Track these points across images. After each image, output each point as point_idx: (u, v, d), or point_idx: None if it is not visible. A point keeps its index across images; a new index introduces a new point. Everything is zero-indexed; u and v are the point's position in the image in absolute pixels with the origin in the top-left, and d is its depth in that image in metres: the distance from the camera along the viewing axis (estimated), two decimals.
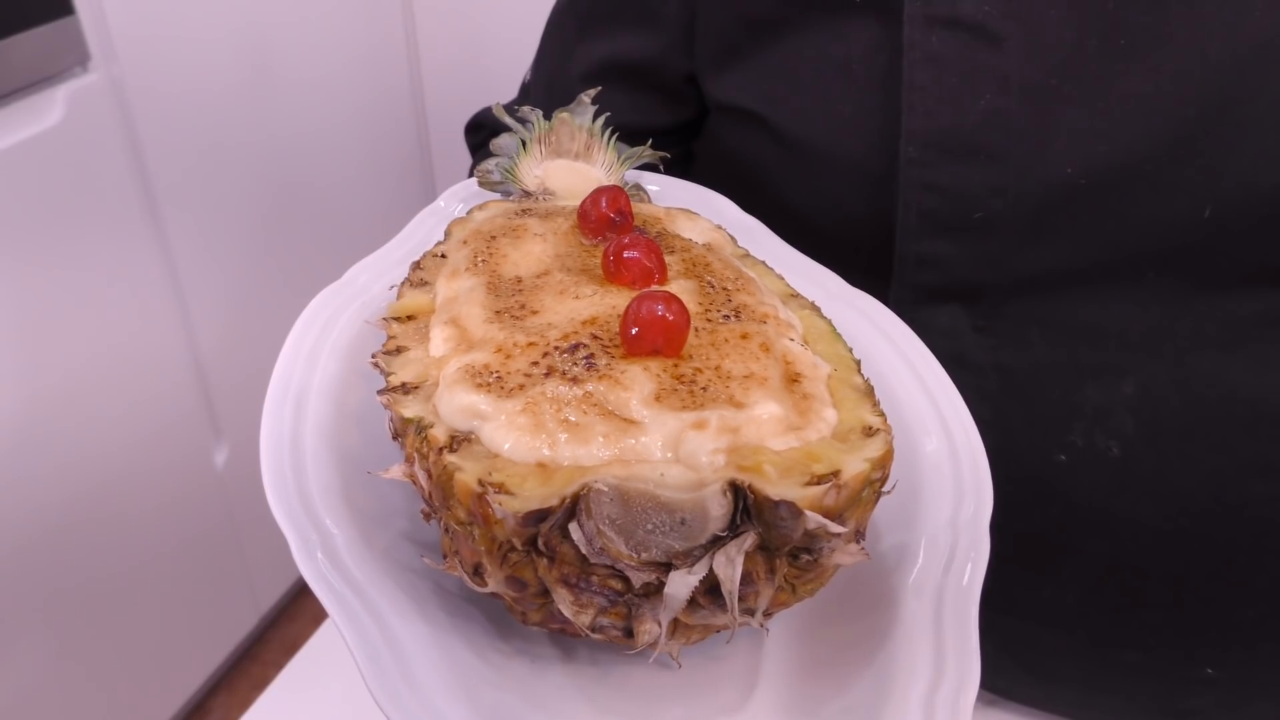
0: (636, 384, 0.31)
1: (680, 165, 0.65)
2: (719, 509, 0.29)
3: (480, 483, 0.29)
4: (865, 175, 0.53)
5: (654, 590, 0.30)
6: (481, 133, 0.70)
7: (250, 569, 1.41)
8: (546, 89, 0.67)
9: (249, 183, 1.39)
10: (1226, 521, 0.51)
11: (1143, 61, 0.46)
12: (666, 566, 0.29)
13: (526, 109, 0.51)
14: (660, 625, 0.30)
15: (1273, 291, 0.48)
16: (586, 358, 0.32)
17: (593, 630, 0.30)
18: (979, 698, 0.65)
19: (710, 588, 0.29)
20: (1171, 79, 0.46)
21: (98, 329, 1.15)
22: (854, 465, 0.29)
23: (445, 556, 0.32)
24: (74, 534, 1.15)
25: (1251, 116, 0.45)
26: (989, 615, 0.57)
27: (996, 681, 0.62)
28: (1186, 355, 0.49)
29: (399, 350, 0.37)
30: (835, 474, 0.29)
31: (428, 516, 0.34)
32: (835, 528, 0.28)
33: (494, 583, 0.30)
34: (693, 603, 0.30)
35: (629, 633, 0.30)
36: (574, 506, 0.28)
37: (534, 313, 0.36)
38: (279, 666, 0.69)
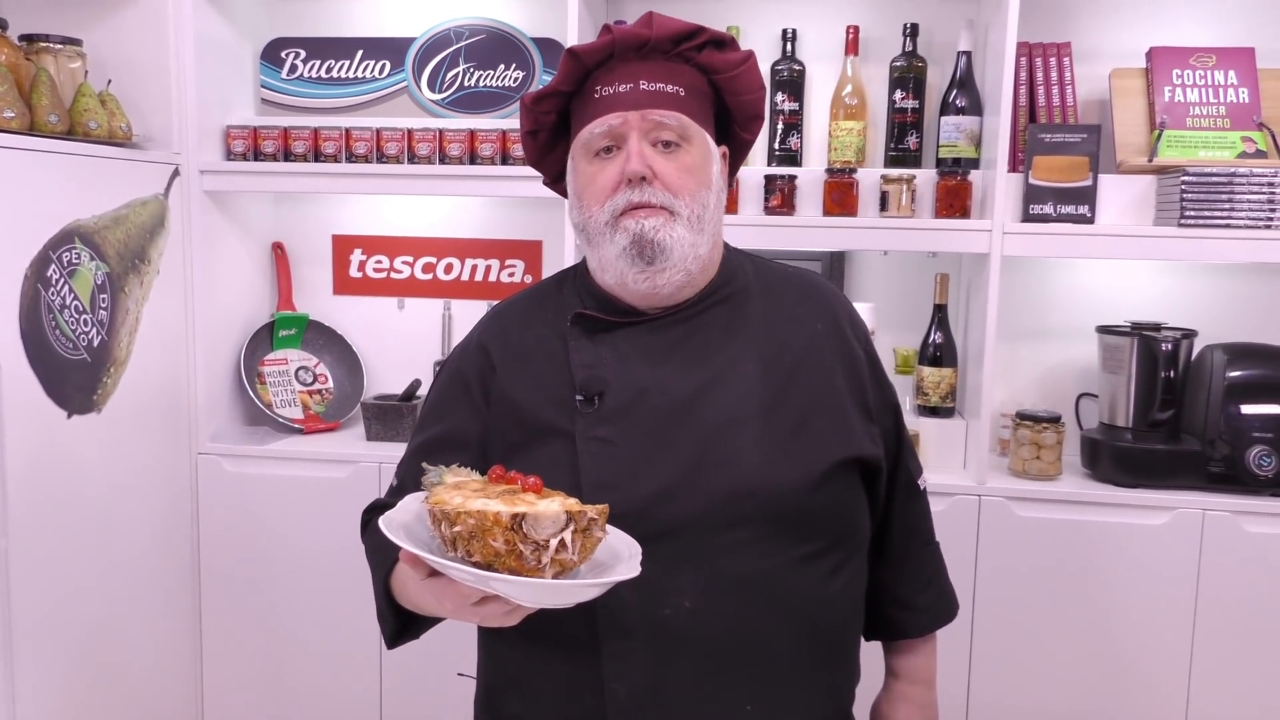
0: (529, 496, 1.02)
1: None
2: (562, 517, 0.99)
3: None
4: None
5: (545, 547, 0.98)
6: (375, 511, 1.26)
7: None
8: (399, 487, 1.28)
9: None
10: (746, 636, 1.13)
11: (669, 448, 1.13)
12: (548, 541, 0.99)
13: (441, 467, 1.21)
14: (548, 558, 0.98)
15: (744, 530, 1.13)
16: (510, 491, 1.04)
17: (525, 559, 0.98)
18: None
19: (561, 545, 0.99)
20: (680, 453, 1.13)
21: None
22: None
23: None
24: None
25: (707, 466, 1.12)
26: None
27: None
28: (716, 561, 1.12)
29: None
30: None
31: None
32: (595, 511, 1.00)
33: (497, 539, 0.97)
34: (558, 550, 0.99)
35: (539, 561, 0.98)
36: (522, 515, 0.98)
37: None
38: None
